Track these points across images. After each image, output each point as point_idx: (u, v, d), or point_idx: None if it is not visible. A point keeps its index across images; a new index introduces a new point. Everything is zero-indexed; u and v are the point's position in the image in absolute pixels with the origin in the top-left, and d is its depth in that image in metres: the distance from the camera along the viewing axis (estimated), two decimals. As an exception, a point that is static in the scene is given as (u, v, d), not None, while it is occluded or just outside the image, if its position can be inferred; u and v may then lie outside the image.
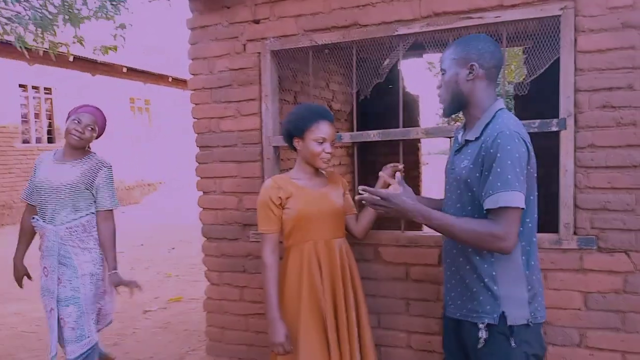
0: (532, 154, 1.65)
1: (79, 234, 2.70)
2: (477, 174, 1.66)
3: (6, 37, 6.17)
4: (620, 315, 2.24)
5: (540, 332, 1.72)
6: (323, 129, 2.13)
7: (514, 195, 1.55)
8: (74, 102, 12.56)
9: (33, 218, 2.73)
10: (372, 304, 2.64)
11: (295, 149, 2.22)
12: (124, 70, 13.74)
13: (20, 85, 11.30)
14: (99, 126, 2.79)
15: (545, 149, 2.60)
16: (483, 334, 1.66)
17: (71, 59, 8.19)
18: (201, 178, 3.02)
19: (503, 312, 1.64)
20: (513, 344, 1.63)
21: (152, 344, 3.97)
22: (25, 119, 11.63)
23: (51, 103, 12.20)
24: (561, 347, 2.31)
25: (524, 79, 2.68)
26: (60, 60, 9.16)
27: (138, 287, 2.80)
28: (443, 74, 1.80)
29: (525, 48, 4.31)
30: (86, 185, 2.72)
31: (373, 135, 2.65)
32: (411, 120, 5.83)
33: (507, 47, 2.49)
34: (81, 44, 6.58)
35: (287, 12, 2.71)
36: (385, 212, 1.74)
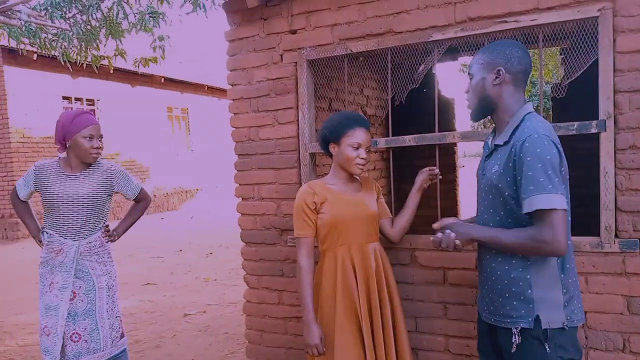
0: (563, 156, 1.65)
1: (97, 248, 2.73)
2: (508, 179, 1.67)
3: (52, 52, 6.44)
4: (666, 320, 2.19)
5: (576, 336, 1.71)
6: (359, 135, 2.17)
7: (549, 197, 1.55)
8: (116, 112, 12.99)
9: (45, 233, 2.66)
10: (409, 307, 2.66)
11: (331, 155, 2.27)
12: (162, 80, 14.12)
13: (64, 97, 11.75)
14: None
15: (586, 150, 2.57)
16: (516, 339, 1.67)
17: (112, 71, 8.51)
18: (240, 185, 3.10)
19: (538, 316, 1.64)
20: (547, 349, 1.63)
21: (192, 347, 4.07)
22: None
23: (94, 113, 12.63)
24: (604, 352, 2.27)
25: (561, 80, 2.65)
26: (101, 72, 9.50)
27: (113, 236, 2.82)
28: (471, 78, 1.82)
29: (563, 48, 4.25)
30: (107, 192, 2.75)
31: (408, 140, 2.67)
32: (446, 123, 5.80)
33: (543, 47, 2.48)
34: (122, 56, 6.81)
35: (322, 22, 2.76)
36: (453, 236, 1.75)
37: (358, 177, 2.35)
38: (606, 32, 2.22)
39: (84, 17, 6.25)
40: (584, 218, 2.54)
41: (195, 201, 15.95)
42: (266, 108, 2.96)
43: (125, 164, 13.34)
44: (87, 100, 12.39)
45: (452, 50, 2.78)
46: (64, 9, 6.06)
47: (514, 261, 1.70)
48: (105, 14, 6.15)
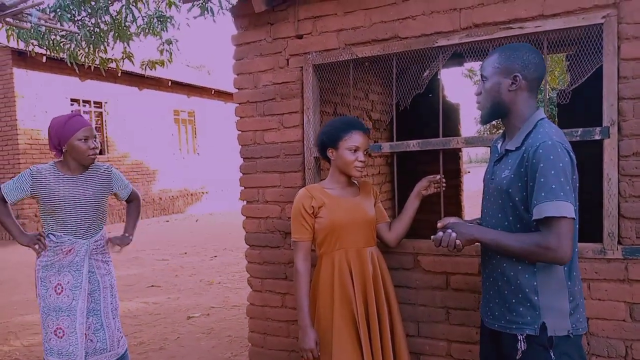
0: (575, 164, 1.64)
1: (102, 247, 2.78)
2: (519, 184, 1.66)
3: (60, 54, 6.51)
4: (669, 328, 2.19)
5: (580, 343, 1.71)
6: (356, 138, 2.19)
7: (559, 205, 1.54)
8: (123, 115, 13.08)
9: (52, 235, 2.65)
10: (411, 312, 2.66)
11: (329, 160, 2.29)
12: (169, 83, 14.21)
13: (72, 100, 11.85)
14: None
15: (588, 157, 2.57)
16: (522, 346, 1.66)
17: (119, 74, 8.59)
18: (245, 188, 3.12)
19: (543, 323, 1.64)
20: (552, 356, 1.62)
21: (196, 349, 4.09)
22: (76, 132, 12.17)
23: (101, 116, 12.73)
24: (606, 359, 2.27)
25: (567, 86, 2.67)
26: (109, 75, 9.59)
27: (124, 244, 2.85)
28: (484, 80, 1.79)
29: (568, 55, 4.25)
30: (108, 193, 2.80)
31: (413, 145, 2.68)
32: (452, 128, 5.81)
33: (549, 54, 2.49)
34: (130, 60, 6.87)
35: (328, 27, 2.79)
36: (454, 236, 1.73)
37: (356, 182, 2.37)
38: (610, 39, 2.23)
39: (93, 20, 6.32)
40: (587, 225, 2.54)
41: (201, 204, 16.00)
42: (272, 112, 2.98)
43: (132, 166, 13.43)
44: (95, 102, 12.49)
45: (458, 55, 2.80)
46: (73, 12, 6.13)
47: (520, 267, 1.69)
48: (114, 17, 6.21)
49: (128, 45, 6.54)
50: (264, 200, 3.05)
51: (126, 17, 6.24)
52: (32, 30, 5.45)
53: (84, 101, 12.17)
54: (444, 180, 2.45)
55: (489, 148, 2.61)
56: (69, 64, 6.59)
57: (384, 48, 2.67)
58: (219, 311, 5.12)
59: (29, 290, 6.04)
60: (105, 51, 6.58)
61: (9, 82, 10.56)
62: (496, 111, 1.78)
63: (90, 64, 6.81)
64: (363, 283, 2.22)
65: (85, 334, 2.66)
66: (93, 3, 6.10)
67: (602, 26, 2.25)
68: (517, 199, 1.68)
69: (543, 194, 1.56)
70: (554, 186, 1.55)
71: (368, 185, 2.43)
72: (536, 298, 1.66)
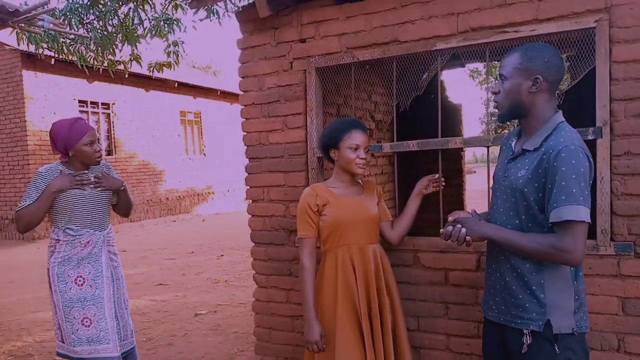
0: (593, 169, 1.66)
1: (113, 239, 2.93)
2: (535, 184, 1.67)
3: (70, 57, 6.63)
4: (660, 321, 2.26)
5: (584, 340, 1.75)
6: (355, 137, 2.27)
7: (578, 209, 1.56)
8: (130, 116, 13.20)
9: (68, 229, 2.72)
10: (411, 307, 2.75)
11: (332, 161, 2.37)
12: (176, 85, 14.34)
13: (80, 101, 12.00)
14: None
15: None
16: (527, 339, 1.69)
17: (127, 75, 8.72)
18: (250, 187, 3.21)
19: (549, 320, 1.67)
20: (557, 350, 1.66)
21: (203, 345, 4.18)
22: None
23: (108, 117, 12.88)
24: (599, 352, 2.34)
25: (567, 86, 2.73)
26: (117, 77, 9.72)
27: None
28: (503, 80, 1.76)
29: (569, 56, 4.31)
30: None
31: (412, 145, 2.76)
32: (453, 129, 5.88)
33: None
34: (138, 61, 6.98)
35: (331, 32, 2.88)
36: (464, 232, 1.76)
37: (360, 181, 2.44)
38: (603, 42, 2.31)
39: (101, 23, 6.44)
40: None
41: (207, 204, 16.13)
42: (276, 113, 3.08)
43: (139, 166, 13.56)
44: (103, 104, 12.63)
45: (458, 57, 2.88)
46: (82, 15, 6.25)
47: (528, 265, 1.71)
48: (122, 20, 6.33)
49: (135, 47, 6.65)
50: (268, 199, 3.14)
51: (133, 19, 6.35)
52: (43, 34, 5.57)
53: (91, 102, 12.31)
54: (442, 179, 2.52)
55: (487, 149, 2.70)
56: (79, 66, 6.72)
57: (384, 51, 2.75)
58: (225, 308, 5.22)
59: (40, 288, 6.17)
60: (114, 53, 6.70)
61: (19, 84, 10.71)
62: (515, 112, 1.77)
63: (99, 66, 6.92)
64: (365, 279, 2.28)
65: (91, 320, 2.73)
66: (101, 6, 6.22)
67: (595, 30, 2.32)
68: (532, 199, 1.68)
69: (563, 197, 1.57)
70: (574, 190, 1.57)
71: (371, 184, 2.49)
72: (543, 295, 1.68)
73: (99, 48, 6.52)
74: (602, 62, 2.32)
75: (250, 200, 3.24)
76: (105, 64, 6.94)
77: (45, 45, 6.29)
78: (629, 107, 2.27)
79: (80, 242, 2.74)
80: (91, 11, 6.27)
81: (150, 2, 6.37)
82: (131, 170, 13.25)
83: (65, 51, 6.41)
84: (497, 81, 1.84)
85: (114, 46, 6.53)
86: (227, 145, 16.37)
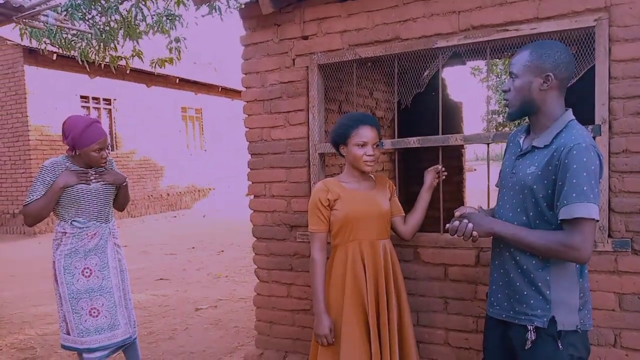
0: (603, 168, 1.67)
1: (117, 231, 2.99)
2: (545, 181, 1.67)
3: (71, 52, 6.65)
4: (656, 317, 2.29)
5: (587, 337, 1.75)
6: (363, 134, 2.25)
7: (589, 207, 1.57)
8: (132, 111, 13.18)
9: (75, 222, 2.78)
10: (411, 302, 2.75)
11: (343, 156, 2.38)
12: (177, 81, 14.35)
13: (82, 97, 12.02)
14: None
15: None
16: (531, 336, 1.69)
17: (128, 71, 8.75)
18: (252, 183, 3.24)
19: (553, 317, 1.68)
20: (560, 346, 1.67)
21: (204, 339, 4.22)
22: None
23: (110, 112, 12.90)
24: (597, 347, 2.37)
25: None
26: (118, 72, 9.71)
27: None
28: (514, 78, 1.76)
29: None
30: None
31: (413, 142, 2.79)
32: (454, 126, 5.89)
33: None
34: (139, 57, 7.00)
35: (333, 29, 2.90)
36: (470, 227, 1.76)
37: (372, 176, 2.44)
38: (602, 41, 2.33)
39: (103, 19, 6.46)
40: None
41: (208, 200, 16.16)
42: (278, 110, 3.10)
43: (140, 162, 13.59)
44: (104, 99, 12.64)
45: (459, 55, 2.90)
46: (84, 11, 6.27)
47: (534, 261, 1.72)
48: (124, 16, 6.34)
49: (137, 43, 6.67)
50: (270, 194, 3.17)
51: (136, 15, 6.36)
52: (46, 29, 5.59)
53: (93, 98, 12.32)
54: (444, 170, 2.52)
55: (487, 146, 2.73)
56: (80, 62, 6.73)
57: (385, 49, 2.78)
58: (226, 303, 5.26)
59: (41, 282, 6.22)
60: (116, 49, 6.72)
61: (20, 79, 10.73)
62: (525, 109, 1.77)
63: (100, 62, 6.94)
64: (375, 274, 2.28)
65: (99, 310, 2.80)
66: (103, 2, 6.24)
67: (594, 29, 2.34)
68: (540, 195, 1.69)
69: (574, 195, 1.58)
70: (585, 188, 1.57)
71: (384, 179, 2.49)
72: (548, 292, 1.69)
73: (101, 43, 6.54)
74: (602, 61, 2.34)
75: (252, 196, 3.27)
76: (107, 60, 6.96)
77: (47, 41, 6.31)
78: (628, 106, 2.29)
79: (87, 234, 2.80)
80: (93, 6, 6.29)
81: (152, -2, 6.38)
82: (132, 166, 13.28)
83: (68, 47, 6.43)
84: (507, 79, 1.83)
85: (115, 42, 6.54)
86: (228, 142, 16.38)
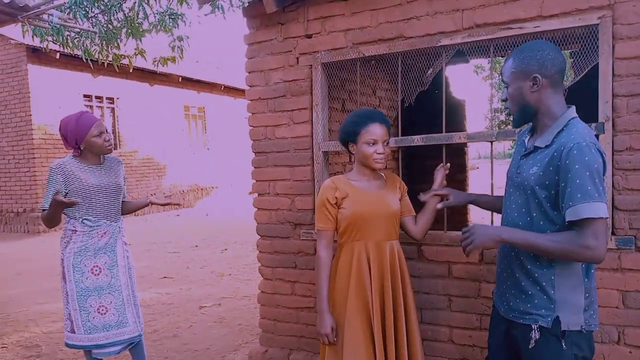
0: (606, 164, 1.66)
1: (125, 230, 3.02)
2: (547, 182, 1.67)
3: (75, 51, 6.67)
4: (660, 314, 2.29)
5: (592, 337, 1.75)
6: (373, 131, 2.18)
7: (595, 206, 1.56)
8: (134, 110, 13.20)
9: (86, 220, 2.81)
10: (415, 299, 2.78)
11: (352, 154, 2.31)
12: (180, 79, 14.37)
13: (85, 96, 12.05)
14: None
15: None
16: (535, 335, 1.70)
17: (131, 70, 8.76)
18: (257, 181, 3.26)
19: (557, 317, 1.68)
20: (564, 346, 1.67)
21: (208, 336, 4.24)
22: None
23: (113, 111, 12.93)
24: (600, 345, 2.38)
25: (570, 82, 2.76)
26: (121, 71, 9.75)
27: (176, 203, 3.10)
28: (506, 87, 1.79)
29: (573, 52, 4.33)
30: (124, 180, 3.03)
31: (417, 140, 2.80)
32: (457, 124, 5.90)
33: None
34: (142, 56, 7.02)
35: (337, 27, 2.91)
36: (472, 241, 1.74)
37: (383, 175, 2.38)
38: (606, 39, 2.33)
39: (106, 17, 6.47)
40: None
41: (211, 199, 16.19)
42: (282, 108, 3.11)
43: (143, 161, 13.62)
44: (107, 98, 12.67)
45: (462, 53, 2.91)
46: (87, 9, 6.28)
47: (538, 261, 1.72)
48: (127, 14, 6.36)
49: (140, 41, 6.68)
50: (274, 192, 3.18)
51: (138, 14, 6.37)
52: (50, 28, 5.61)
53: (96, 97, 12.35)
54: (448, 166, 2.48)
55: (490, 144, 2.74)
56: (84, 60, 6.75)
57: (389, 47, 2.78)
58: (229, 301, 5.28)
59: (46, 280, 6.25)
60: (118, 47, 6.74)
61: (24, 78, 10.76)
62: (525, 113, 1.78)
63: (104, 60, 6.96)
64: (381, 275, 2.24)
65: (107, 307, 2.83)
66: (106, 0, 6.25)
67: (598, 27, 2.35)
68: (543, 196, 1.68)
69: (579, 196, 1.57)
70: (589, 188, 1.56)
71: (395, 178, 2.43)
72: (552, 292, 1.69)
73: (104, 42, 6.56)
74: (605, 59, 2.34)
75: (256, 194, 3.28)
76: (110, 58, 6.97)
77: (50, 39, 6.33)
78: (631, 103, 2.30)
79: (97, 232, 2.83)
80: (96, 5, 6.31)
81: (155, -3, 6.39)
82: (135, 165, 13.31)
83: (71, 45, 6.45)
84: (503, 89, 1.85)
85: (118, 40, 6.56)
86: (231, 140, 16.40)
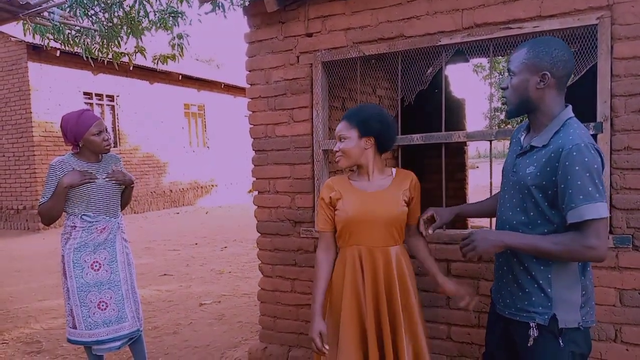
0: (605, 164, 1.68)
1: (124, 226, 3.04)
2: (544, 182, 1.66)
3: (75, 48, 6.68)
4: (656, 312, 2.31)
5: (589, 334, 1.76)
6: (338, 127, 2.13)
7: (597, 206, 1.57)
8: (134, 108, 13.19)
9: (85, 216, 2.83)
10: (414, 297, 2.81)
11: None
12: (180, 77, 14.37)
13: (85, 93, 12.05)
14: None
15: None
16: (534, 333, 1.70)
17: (131, 68, 8.76)
18: (257, 179, 3.27)
19: (554, 315, 1.69)
20: (561, 344, 1.68)
21: (208, 333, 4.26)
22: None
23: (113, 109, 12.93)
24: (597, 342, 2.40)
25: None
26: (121, 69, 9.77)
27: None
28: (511, 76, 1.75)
29: (573, 52, 4.35)
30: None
31: (416, 138, 2.82)
32: (457, 123, 5.92)
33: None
34: (142, 54, 7.02)
35: (337, 26, 2.92)
36: (474, 248, 1.74)
37: (393, 172, 2.21)
38: (604, 39, 2.35)
39: (106, 15, 6.48)
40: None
41: (211, 197, 16.20)
42: (282, 107, 3.13)
43: (143, 159, 13.63)
44: (107, 96, 12.67)
45: (462, 52, 2.92)
46: (87, 7, 6.29)
47: (535, 259, 1.72)
48: (127, 12, 6.36)
49: (140, 39, 6.69)
50: (274, 190, 3.20)
51: (139, 12, 6.38)
52: (51, 25, 5.62)
53: (96, 94, 12.35)
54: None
55: (490, 143, 2.75)
56: (84, 58, 6.76)
57: (389, 46, 2.80)
58: (229, 299, 5.29)
59: (46, 277, 6.27)
60: (119, 45, 6.74)
61: (24, 76, 10.76)
62: (523, 107, 1.76)
63: (104, 58, 6.97)
64: (374, 284, 2.10)
65: (107, 303, 2.85)
66: (107, -2, 6.26)
67: (597, 27, 2.36)
68: (540, 195, 1.68)
69: (581, 197, 1.57)
70: (590, 189, 1.57)
71: (406, 176, 2.20)
72: (549, 290, 1.69)
73: (104, 40, 6.56)
74: (604, 59, 2.36)
75: (256, 192, 3.30)
76: (110, 56, 6.98)
77: (50, 37, 6.33)
78: (629, 103, 2.32)
79: (97, 228, 2.85)
80: (96, 2, 6.31)
81: (156, -5, 6.40)
82: (135, 162, 13.32)
83: (71, 43, 6.46)
84: (506, 76, 1.83)
85: (119, 38, 6.56)
86: (231, 138, 16.42)
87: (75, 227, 2.83)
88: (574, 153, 1.58)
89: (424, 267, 2.27)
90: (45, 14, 4.44)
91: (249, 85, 3.24)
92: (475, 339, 2.69)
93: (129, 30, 6.48)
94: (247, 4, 3.21)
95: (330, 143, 3.01)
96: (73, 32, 6.42)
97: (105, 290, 2.83)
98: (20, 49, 10.71)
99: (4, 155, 11.25)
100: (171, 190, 14.64)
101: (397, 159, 5.15)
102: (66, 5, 5.79)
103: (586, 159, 1.58)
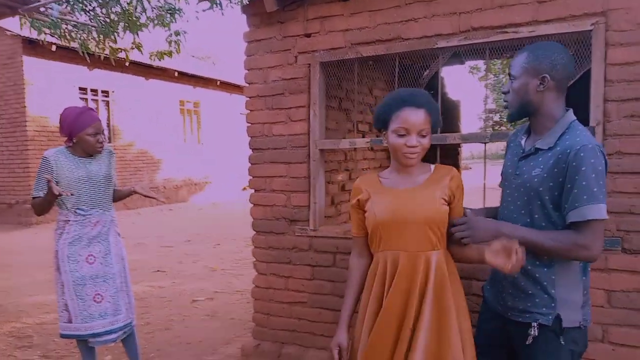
0: (608, 167, 1.69)
1: (117, 220, 3.06)
2: (551, 184, 1.67)
3: (71, 44, 6.66)
4: (643, 313, 2.35)
5: (587, 333, 1.78)
6: (405, 118, 1.75)
7: (599, 207, 1.59)
8: (130, 104, 13.15)
9: (79, 210, 2.84)
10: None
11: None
12: (175, 74, 14.35)
13: (80, 88, 12.01)
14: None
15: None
16: (534, 332, 1.71)
17: (127, 63, 8.73)
18: (253, 177, 3.29)
19: (558, 315, 1.70)
20: (562, 342, 1.70)
21: (200, 330, 4.27)
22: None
23: (108, 105, 12.90)
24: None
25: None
26: (117, 65, 9.69)
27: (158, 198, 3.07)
28: (512, 80, 1.78)
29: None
30: (113, 172, 3.05)
31: (412, 140, 2.84)
32: (452, 125, 5.96)
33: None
34: (139, 50, 7.01)
35: (335, 27, 2.95)
36: (471, 235, 1.73)
37: (432, 167, 1.91)
38: (598, 45, 2.39)
39: (104, 11, 6.46)
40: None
41: (204, 194, 16.19)
42: (280, 106, 3.15)
43: (137, 155, 13.60)
44: (103, 91, 12.65)
45: (458, 55, 2.96)
46: (85, 2, 6.27)
47: (538, 261, 1.73)
48: (124, 8, 6.35)
49: (137, 35, 6.68)
50: (270, 189, 3.22)
51: (136, 8, 6.37)
52: (49, 21, 5.60)
53: (91, 90, 12.32)
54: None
55: (484, 145, 2.79)
56: (80, 54, 6.74)
57: (387, 48, 2.83)
58: (222, 295, 5.31)
59: (38, 272, 6.25)
60: (115, 41, 6.73)
61: (19, 70, 10.72)
62: (524, 110, 1.78)
63: (100, 54, 6.95)
64: (401, 296, 1.78)
65: (103, 296, 2.87)
66: (105, -6, 6.24)
67: (591, 33, 2.40)
68: (546, 197, 1.69)
69: (585, 197, 1.59)
70: (595, 189, 1.59)
71: (447, 172, 1.88)
72: (553, 291, 1.71)
73: (101, 35, 6.55)
74: (598, 64, 2.40)
75: (253, 190, 3.32)
76: (107, 52, 6.97)
77: (47, 32, 6.31)
78: (622, 108, 2.36)
79: (90, 221, 2.87)
80: (94, -2, 6.30)
81: (154, -9, 6.39)
82: (129, 158, 13.29)
83: (68, 38, 6.44)
84: (507, 81, 1.86)
85: (115, 34, 6.55)
86: (226, 136, 16.41)
87: (69, 220, 2.84)
88: (582, 154, 1.61)
89: (470, 257, 1.89)
90: (44, 9, 4.44)
91: (247, 84, 3.26)
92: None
93: (126, 26, 6.47)
94: (246, 3, 3.23)
95: (327, 143, 3.04)
96: (70, 28, 6.40)
97: (101, 283, 2.85)
98: (15, 43, 10.66)
99: (-3, 149, 11.21)
100: (165, 187, 14.61)
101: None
102: (64, 1, 5.78)
103: (593, 160, 1.61)
